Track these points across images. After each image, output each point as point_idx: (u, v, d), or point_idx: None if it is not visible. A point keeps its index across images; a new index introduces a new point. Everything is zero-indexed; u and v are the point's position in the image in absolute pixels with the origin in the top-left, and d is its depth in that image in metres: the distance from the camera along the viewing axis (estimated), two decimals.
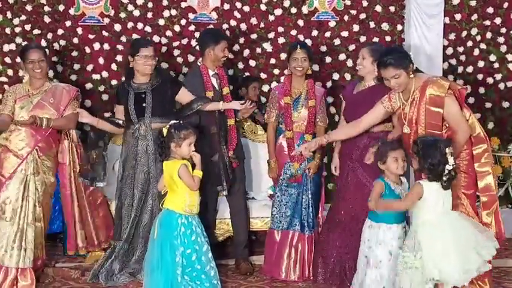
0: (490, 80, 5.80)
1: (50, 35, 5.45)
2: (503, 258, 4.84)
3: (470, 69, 5.78)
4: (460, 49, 5.77)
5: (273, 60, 5.64)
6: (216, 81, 4.68)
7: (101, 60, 5.50)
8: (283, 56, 5.53)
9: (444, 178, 3.60)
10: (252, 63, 5.65)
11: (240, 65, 5.65)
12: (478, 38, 5.79)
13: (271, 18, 5.65)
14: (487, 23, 5.79)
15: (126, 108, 4.50)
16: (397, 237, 3.81)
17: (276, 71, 5.64)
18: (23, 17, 5.43)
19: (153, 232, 3.96)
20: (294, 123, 4.62)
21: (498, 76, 5.81)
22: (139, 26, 5.53)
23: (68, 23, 5.47)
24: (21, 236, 4.29)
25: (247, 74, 5.64)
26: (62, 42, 5.47)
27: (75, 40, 5.48)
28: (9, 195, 4.31)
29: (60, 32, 5.47)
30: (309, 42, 5.61)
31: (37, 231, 4.36)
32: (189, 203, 3.95)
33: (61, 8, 5.47)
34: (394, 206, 3.77)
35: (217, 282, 3.99)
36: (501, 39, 5.80)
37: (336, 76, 5.68)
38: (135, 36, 5.47)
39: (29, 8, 5.43)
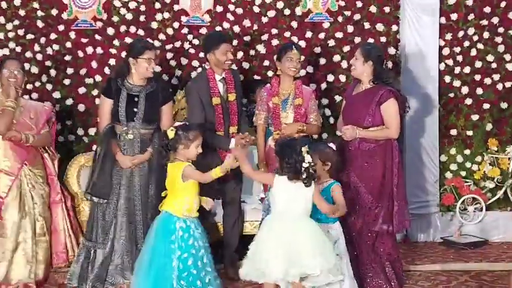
0: (488, 81, 5.69)
1: (43, 40, 5.46)
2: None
3: (467, 69, 5.69)
4: (457, 49, 5.68)
5: (266, 62, 5.59)
6: (223, 87, 4.62)
7: (94, 64, 5.48)
8: None
9: (303, 176, 3.70)
10: (246, 65, 5.62)
11: (234, 68, 5.61)
12: (475, 38, 5.69)
13: (265, 20, 5.61)
14: (484, 22, 5.69)
15: (116, 107, 4.31)
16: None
17: (270, 73, 5.58)
18: (16, 22, 5.44)
19: (149, 234, 3.92)
20: (282, 124, 4.57)
21: (496, 76, 5.71)
22: (132, 29, 5.52)
23: (61, 28, 5.48)
24: (21, 252, 4.29)
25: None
26: (55, 47, 5.47)
27: (68, 44, 5.48)
28: (8, 213, 4.32)
29: (53, 36, 5.47)
30: (303, 43, 5.58)
31: (42, 246, 4.37)
32: (188, 207, 3.90)
33: (54, 12, 5.48)
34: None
35: None
36: (499, 39, 5.70)
37: (330, 78, 5.63)
38: (128, 39, 5.46)
39: (22, 12, 5.45)
